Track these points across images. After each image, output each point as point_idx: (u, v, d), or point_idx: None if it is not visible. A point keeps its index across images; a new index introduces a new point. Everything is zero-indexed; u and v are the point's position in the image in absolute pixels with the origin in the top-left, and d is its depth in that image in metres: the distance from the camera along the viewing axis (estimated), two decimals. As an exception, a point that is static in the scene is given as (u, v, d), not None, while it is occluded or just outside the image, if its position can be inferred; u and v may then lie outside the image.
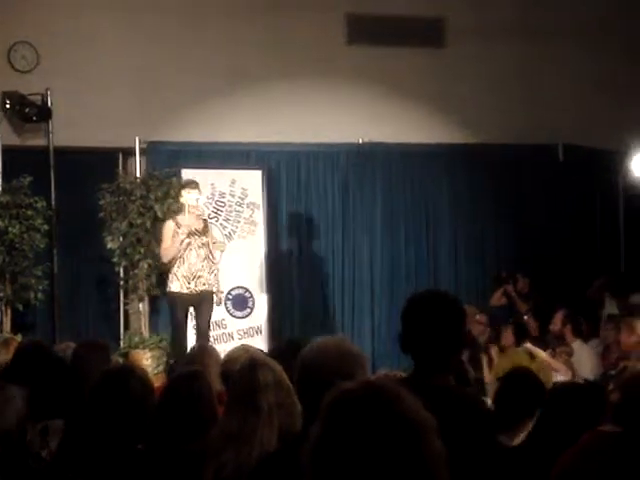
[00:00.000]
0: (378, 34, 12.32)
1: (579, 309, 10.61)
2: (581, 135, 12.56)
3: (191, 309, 9.88)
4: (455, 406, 3.17)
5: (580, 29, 12.71)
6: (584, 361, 9.58)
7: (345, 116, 12.15)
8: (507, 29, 12.58)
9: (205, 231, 10.08)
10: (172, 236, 9.91)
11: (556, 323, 9.99)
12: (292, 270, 12.11)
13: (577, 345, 9.85)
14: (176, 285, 9.81)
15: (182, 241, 9.84)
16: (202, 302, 9.86)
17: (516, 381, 4.95)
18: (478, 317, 11.10)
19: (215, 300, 9.97)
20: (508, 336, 10.11)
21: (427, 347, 3.33)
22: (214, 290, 9.94)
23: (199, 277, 9.84)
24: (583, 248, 12.77)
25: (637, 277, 12.59)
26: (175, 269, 9.86)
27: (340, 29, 12.32)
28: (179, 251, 9.85)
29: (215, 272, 10.09)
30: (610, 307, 11.46)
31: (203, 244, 9.99)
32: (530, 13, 12.70)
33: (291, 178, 12.27)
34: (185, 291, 9.78)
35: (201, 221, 10.17)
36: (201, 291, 9.83)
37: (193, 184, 10.13)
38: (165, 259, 10.10)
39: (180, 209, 10.04)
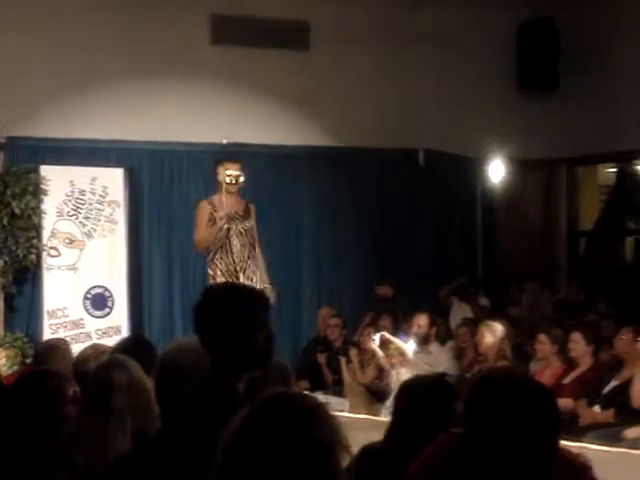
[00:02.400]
0: (243, 35, 12.28)
1: (434, 312, 10.80)
2: (441, 141, 12.78)
3: None
4: None
5: (442, 36, 12.92)
6: (441, 363, 9.75)
7: (209, 116, 12.08)
8: (369, 34, 12.68)
9: (247, 215, 9.14)
10: (208, 221, 8.91)
11: (422, 325, 10.11)
12: (153, 270, 11.96)
13: (435, 347, 10.02)
14: (221, 281, 8.65)
15: (221, 228, 8.85)
16: None
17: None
18: (333, 321, 11.14)
19: (272, 299, 8.80)
20: (367, 338, 10.22)
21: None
22: (265, 286, 8.65)
23: (244, 270, 8.88)
24: (442, 252, 13.02)
25: (490, 280, 12.94)
26: (218, 261, 8.90)
27: (204, 29, 12.24)
28: (218, 239, 8.82)
29: (260, 265, 9.01)
30: (459, 310, 11.73)
31: (245, 230, 9.04)
32: (392, 19, 12.79)
33: (154, 177, 12.07)
34: None
35: (242, 203, 9.22)
36: None
37: (232, 160, 9.15)
38: (200, 248, 9.14)
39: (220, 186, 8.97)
